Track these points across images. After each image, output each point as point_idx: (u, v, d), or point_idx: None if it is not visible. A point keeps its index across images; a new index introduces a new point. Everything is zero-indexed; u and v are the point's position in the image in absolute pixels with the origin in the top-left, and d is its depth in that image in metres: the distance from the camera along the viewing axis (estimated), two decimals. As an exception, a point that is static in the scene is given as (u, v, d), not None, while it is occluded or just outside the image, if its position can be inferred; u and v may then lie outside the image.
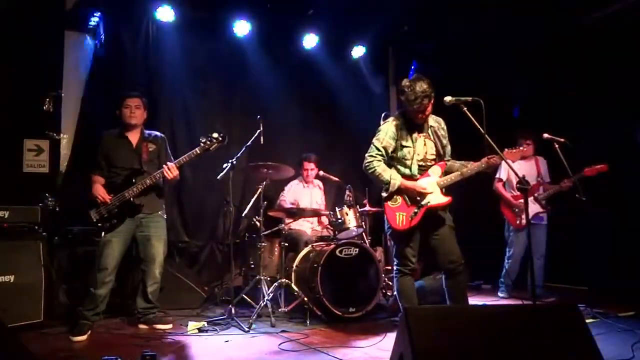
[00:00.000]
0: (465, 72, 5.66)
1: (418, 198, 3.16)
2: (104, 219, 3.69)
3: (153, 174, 3.76)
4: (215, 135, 3.79)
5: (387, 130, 3.27)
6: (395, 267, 3.34)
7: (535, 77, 5.56)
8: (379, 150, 3.25)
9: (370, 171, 3.25)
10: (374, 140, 3.30)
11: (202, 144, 3.77)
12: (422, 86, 3.05)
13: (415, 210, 3.15)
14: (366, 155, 3.29)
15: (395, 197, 3.21)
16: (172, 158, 3.93)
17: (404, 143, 3.24)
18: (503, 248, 5.01)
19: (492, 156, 3.11)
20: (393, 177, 3.18)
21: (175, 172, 3.75)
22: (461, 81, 4.93)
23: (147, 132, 3.98)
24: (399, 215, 3.17)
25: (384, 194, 3.24)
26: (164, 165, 3.75)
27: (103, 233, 3.68)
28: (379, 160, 3.24)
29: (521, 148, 3.25)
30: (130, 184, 3.74)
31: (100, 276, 3.63)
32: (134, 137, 3.89)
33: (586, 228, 4.87)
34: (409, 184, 3.18)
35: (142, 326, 3.83)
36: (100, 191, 3.69)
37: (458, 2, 5.19)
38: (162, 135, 4.08)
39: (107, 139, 3.89)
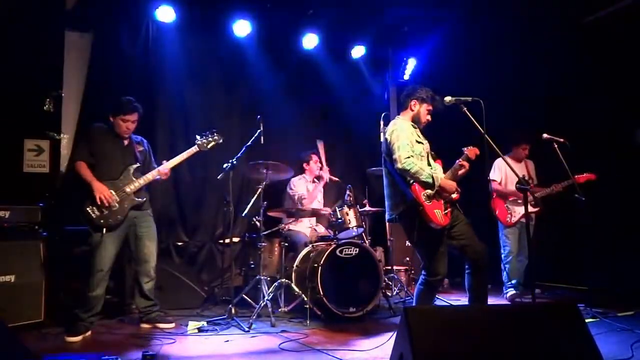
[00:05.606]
0: (464, 73, 5.66)
1: (443, 193, 3.12)
2: (103, 217, 3.60)
3: (154, 169, 3.80)
4: (211, 134, 3.95)
5: (402, 128, 3.20)
6: (422, 276, 3.18)
7: (535, 77, 5.56)
8: (410, 147, 3.13)
9: (409, 168, 3.05)
10: (398, 142, 3.11)
11: (197, 143, 3.90)
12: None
13: (447, 206, 3.15)
14: (398, 155, 3.08)
15: (429, 195, 3.09)
16: (155, 164, 3.97)
17: (417, 139, 3.24)
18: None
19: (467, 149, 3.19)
20: (431, 173, 3.12)
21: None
22: (461, 81, 4.93)
23: (133, 136, 3.96)
24: (437, 213, 3.08)
25: (429, 192, 3.08)
26: (163, 162, 3.82)
27: (105, 230, 3.59)
28: (415, 158, 3.13)
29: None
30: (127, 177, 3.71)
31: (95, 278, 3.59)
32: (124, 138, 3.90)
33: (586, 228, 4.86)
34: (448, 181, 3.13)
35: (144, 325, 3.82)
36: (105, 192, 3.56)
37: (458, 2, 5.20)
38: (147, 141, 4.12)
39: (98, 130, 3.82)
